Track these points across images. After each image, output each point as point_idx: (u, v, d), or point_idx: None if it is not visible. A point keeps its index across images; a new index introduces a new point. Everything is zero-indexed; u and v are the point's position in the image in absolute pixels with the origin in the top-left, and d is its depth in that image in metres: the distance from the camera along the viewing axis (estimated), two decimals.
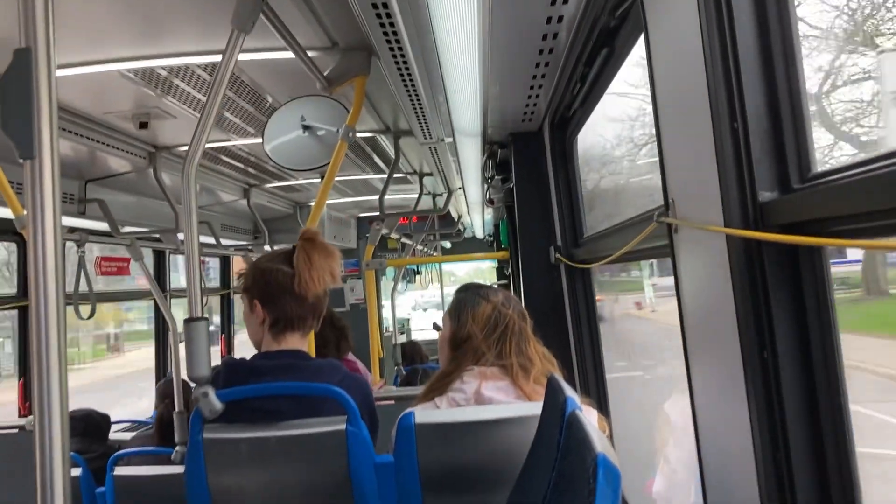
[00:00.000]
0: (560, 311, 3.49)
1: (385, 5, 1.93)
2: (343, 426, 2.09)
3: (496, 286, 2.57)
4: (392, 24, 2.08)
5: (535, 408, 1.96)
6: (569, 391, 1.71)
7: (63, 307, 1.18)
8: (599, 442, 1.38)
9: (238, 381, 2.14)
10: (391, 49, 2.30)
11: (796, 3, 1.20)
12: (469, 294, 2.38)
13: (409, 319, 11.27)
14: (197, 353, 2.06)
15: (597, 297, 3.34)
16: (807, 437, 1.20)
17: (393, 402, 3.57)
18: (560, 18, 2.16)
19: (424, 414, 2.13)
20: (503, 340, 2.25)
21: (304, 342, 2.28)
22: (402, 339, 7.75)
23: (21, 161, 1.17)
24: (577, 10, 2.12)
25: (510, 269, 4.58)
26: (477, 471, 2.06)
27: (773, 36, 1.20)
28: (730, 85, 1.23)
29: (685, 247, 1.53)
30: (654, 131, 1.63)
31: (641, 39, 1.93)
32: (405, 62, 2.43)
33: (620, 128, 3.08)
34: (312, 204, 7.28)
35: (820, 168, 1.17)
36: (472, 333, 2.27)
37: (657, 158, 1.62)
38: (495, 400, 2.17)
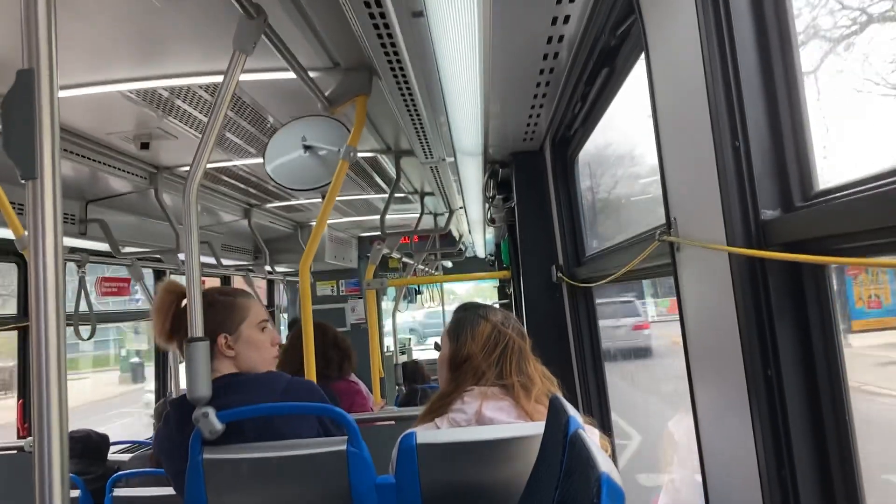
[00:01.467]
0: (562, 330, 3.48)
1: (386, 26, 1.95)
2: (344, 447, 2.08)
3: (496, 305, 2.56)
4: (393, 45, 2.09)
5: (537, 427, 1.95)
6: (571, 411, 1.70)
7: (63, 328, 1.18)
8: (603, 462, 1.37)
9: (189, 410, 2.12)
10: (392, 69, 2.31)
11: (796, 16, 1.21)
12: (468, 313, 2.37)
13: (410, 339, 11.23)
14: (197, 374, 2.05)
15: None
16: (812, 456, 1.19)
17: (393, 422, 3.55)
18: (561, 38, 2.17)
19: (426, 434, 2.12)
20: (503, 360, 2.24)
21: (229, 365, 2.26)
22: (402, 358, 7.73)
23: (22, 182, 1.17)
24: (578, 29, 2.13)
25: (512, 289, 4.57)
26: (480, 491, 2.05)
27: (774, 53, 1.21)
28: (731, 103, 1.23)
29: (687, 265, 1.52)
30: (654, 149, 1.63)
31: (641, 58, 1.95)
32: (406, 82, 2.44)
33: (621, 146, 3.09)
34: (313, 224, 7.31)
35: (822, 186, 1.17)
36: (471, 353, 2.26)
37: (657, 177, 1.62)
38: (497, 420, 2.15)
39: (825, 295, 1.17)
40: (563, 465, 1.64)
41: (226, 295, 2.35)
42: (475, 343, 2.26)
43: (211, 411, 2.05)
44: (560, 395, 1.90)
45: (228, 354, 2.26)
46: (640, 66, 2.06)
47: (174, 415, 2.22)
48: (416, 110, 2.82)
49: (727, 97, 1.23)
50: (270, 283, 7.78)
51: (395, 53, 2.15)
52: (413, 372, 6.56)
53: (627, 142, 3.07)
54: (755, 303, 1.21)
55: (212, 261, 5.79)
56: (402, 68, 2.29)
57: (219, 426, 2.07)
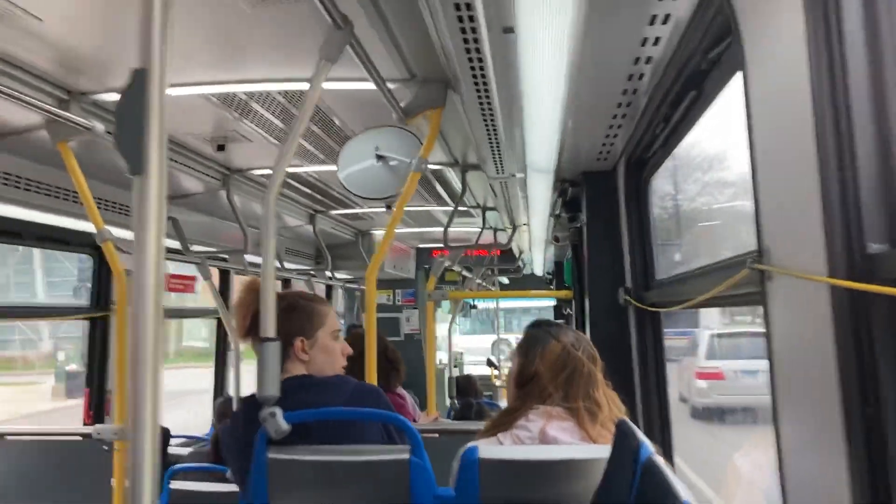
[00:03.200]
0: (626, 354, 3.43)
1: (476, 40, 1.96)
2: (407, 456, 2.09)
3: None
4: (480, 59, 2.10)
5: (602, 451, 1.93)
6: (642, 436, 1.67)
7: (161, 321, 1.20)
8: (683, 490, 1.34)
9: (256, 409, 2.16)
10: (476, 83, 2.32)
11: None
12: (540, 331, 2.35)
13: (462, 353, 11.23)
14: (268, 373, 2.08)
15: None
16: None
17: (450, 435, 3.54)
18: (648, 59, 2.16)
19: (489, 449, 2.11)
20: (571, 382, 2.22)
21: (297, 368, 2.33)
22: (454, 372, 7.72)
23: (130, 177, 1.20)
24: (667, 51, 2.11)
25: (573, 309, 4.52)
26: None
27: (889, 77, 1.17)
28: (839, 130, 1.20)
29: (779, 295, 1.48)
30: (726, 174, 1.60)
31: (732, 82, 1.92)
32: (488, 96, 2.45)
33: (698, 171, 3.05)
34: (374, 232, 7.38)
35: None
36: (539, 372, 2.24)
37: (731, 202, 1.59)
38: (560, 440, 2.13)
39: None
40: (635, 491, 1.61)
41: (307, 300, 2.40)
42: (543, 362, 2.25)
43: (278, 411, 2.08)
44: (626, 419, 1.88)
45: (303, 358, 2.31)
46: (729, 90, 2.03)
47: (243, 412, 2.26)
48: (493, 124, 2.83)
49: (836, 124, 1.20)
50: (329, 289, 7.87)
51: (481, 68, 2.17)
52: (465, 386, 6.55)
53: (703, 167, 3.03)
54: (856, 336, 1.18)
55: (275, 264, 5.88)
56: (485, 82, 2.30)
57: (285, 426, 2.09)
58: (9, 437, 3.61)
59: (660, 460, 1.55)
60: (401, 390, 4.06)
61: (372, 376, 2.92)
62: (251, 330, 2.27)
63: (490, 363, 9.19)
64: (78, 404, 4.52)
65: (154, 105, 1.21)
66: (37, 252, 13.46)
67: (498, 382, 8.88)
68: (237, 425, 2.28)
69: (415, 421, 4.01)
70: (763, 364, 1.61)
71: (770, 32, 1.46)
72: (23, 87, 2.54)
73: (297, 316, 2.33)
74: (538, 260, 8.62)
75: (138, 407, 1.15)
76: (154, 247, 1.21)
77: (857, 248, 1.18)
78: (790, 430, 1.49)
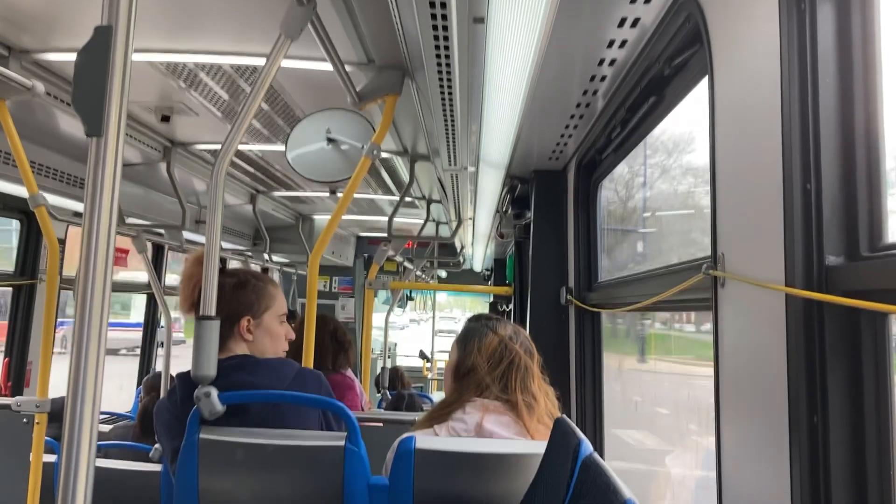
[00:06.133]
0: (564, 353, 3.47)
1: (445, 28, 1.93)
2: (342, 443, 2.07)
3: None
4: (447, 48, 2.08)
5: (538, 446, 1.94)
6: (581, 434, 1.69)
7: (110, 290, 1.15)
8: (626, 489, 1.35)
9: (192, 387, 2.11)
10: (440, 72, 2.30)
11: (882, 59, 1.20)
12: (479, 324, 2.36)
13: (395, 344, 11.21)
14: (205, 352, 2.04)
15: None
16: None
17: (381, 424, 3.52)
18: (612, 62, 2.17)
19: (426, 440, 2.10)
20: (508, 375, 2.23)
21: (239, 347, 2.27)
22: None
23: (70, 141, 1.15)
24: (631, 55, 2.13)
25: (512, 306, 4.55)
26: (472, 503, 2.03)
27: (857, 99, 1.20)
28: (806, 141, 1.22)
29: (731, 302, 1.51)
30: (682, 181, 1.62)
31: (696, 89, 1.94)
32: (450, 85, 2.43)
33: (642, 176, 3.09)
34: (316, 217, 7.29)
35: (892, 239, 1.16)
36: (476, 364, 2.25)
37: (686, 210, 1.61)
38: (496, 434, 2.14)
39: (882, 345, 1.17)
40: (571, 489, 1.62)
41: (258, 280, 2.34)
42: (481, 355, 2.25)
43: (213, 391, 2.04)
44: (565, 417, 1.89)
45: (247, 338, 2.25)
46: (689, 98, 2.06)
47: (180, 389, 2.19)
48: (451, 115, 2.82)
49: (803, 136, 1.22)
50: (265, 271, 7.74)
51: (447, 56, 2.15)
52: (393, 378, 6.55)
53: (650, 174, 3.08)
54: (808, 346, 1.20)
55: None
56: (449, 72, 2.28)
57: (219, 407, 2.06)
58: None
59: (599, 459, 1.56)
60: (349, 373, 4.01)
61: (309, 360, 2.88)
62: (197, 304, 2.21)
63: (423, 355, 9.21)
64: None
65: (118, 64, 1.16)
66: None
67: (430, 375, 8.90)
68: (173, 402, 2.21)
69: (362, 407, 3.98)
70: None
71: (741, 41, 1.48)
72: None
73: (247, 295, 2.27)
74: (478, 255, 8.66)
75: (80, 381, 1.10)
76: (107, 211, 1.16)
77: (816, 260, 1.20)
78: (732, 436, 1.52)
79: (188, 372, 2.12)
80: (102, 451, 3.53)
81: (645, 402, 3.64)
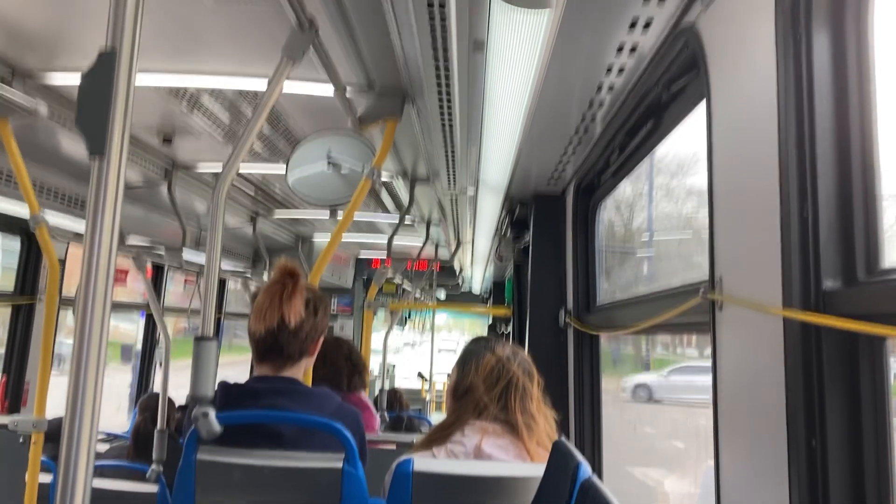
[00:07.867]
0: (562, 374, 3.46)
1: (445, 50, 1.95)
2: (340, 464, 2.05)
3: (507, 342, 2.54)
4: (447, 72, 2.10)
5: (536, 469, 1.93)
6: (580, 457, 1.68)
7: (109, 310, 1.16)
8: None
9: (232, 403, 2.10)
10: (440, 96, 2.32)
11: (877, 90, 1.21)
12: (477, 346, 2.36)
13: (394, 366, 11.17)
14: (204, 372, 2.03)
15: None
16: None
17: (395, 446, 3.50)
18: (611, 88, 2.19)
19: (423, 462, 2.09)
20: (506, 395, 2.22)
21: (295, 370, 2.22)
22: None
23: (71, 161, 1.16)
24: (629, 81, 2.15)
25: (511, 328, 4.55)
26: None
27: (853, 126, 1.21)
28: (804, 171, 1.23)
29: (729, 325, 1.51)
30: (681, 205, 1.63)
31: (693, 113, 1.96)
32: (450, 109, 2.45)
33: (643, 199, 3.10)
34: (316, 238, 7.29)
35: (888, 264, 1.17)
36: (474, 385, 2.24)
37: (683, 236, 1.62)
38: (495, 457, 2.13)
39: (880, 368, 1.17)
40: None
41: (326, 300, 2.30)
42: (478, 374, 2.25)
43: (211, 411, 2.03)
44: (564, 439, 1.89)
45: (308, 361, 2.23)
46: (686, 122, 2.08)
47: (220, 396, 2.14)
48: (451, 139, 2.83)
49: (800, 162, 1.24)
50: None
51: (447, 80, 2.16)
52: (392, 400, 6.53)
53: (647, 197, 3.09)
54: (806, 369, 1.21)
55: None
56: (449, 96, 2.30)
57: (217, 428, 2.04)
58: None
59: (598, 481, 1.56)
60: (364, 396, 3.99)
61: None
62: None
63: (421, 376, 9.18)
64: None
65: (121, 88, 1.17)
66: None
67: (427, 396, 8.86)
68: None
69: (375, 429, 3.96)
70: None
71: (738, 67, 1.50)
72: None
73: (324, 314, 2.22)
74: (477, 277, 8.67)
75: (78, 400, 1.10)
76: (108, 233, 1.16)
77: (814, 284, 1.21)
78: (731, 460, 1.51)
79: (234, 383, 2.13)
80: (98, 471, 3.50)
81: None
